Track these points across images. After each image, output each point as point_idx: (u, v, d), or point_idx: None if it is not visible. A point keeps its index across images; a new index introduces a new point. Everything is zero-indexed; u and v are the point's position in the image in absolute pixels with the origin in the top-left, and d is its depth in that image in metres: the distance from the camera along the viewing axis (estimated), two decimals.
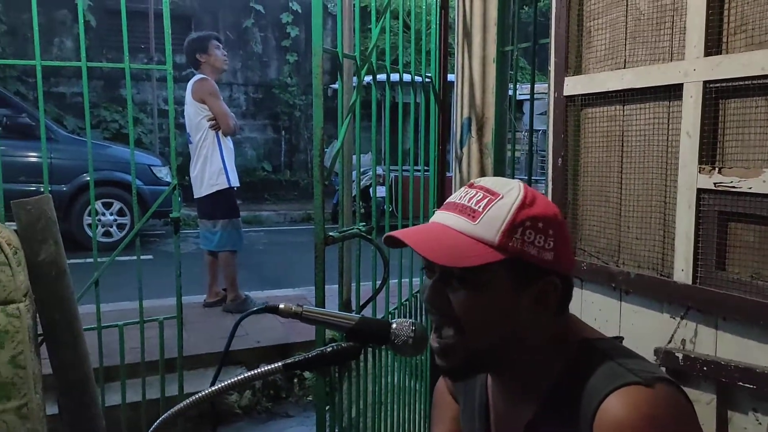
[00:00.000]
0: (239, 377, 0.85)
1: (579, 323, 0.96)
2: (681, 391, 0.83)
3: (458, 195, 0.91)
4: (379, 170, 5.15)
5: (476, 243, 0.85)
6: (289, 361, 0.88)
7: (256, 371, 0.86)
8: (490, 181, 0.90)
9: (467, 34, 2.48)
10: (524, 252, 0.85)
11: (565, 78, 1.77)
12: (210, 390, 0.85)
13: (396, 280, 2.40)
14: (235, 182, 4.36)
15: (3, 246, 1.49)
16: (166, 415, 0.84)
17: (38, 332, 1.65)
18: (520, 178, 1.00)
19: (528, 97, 2.39)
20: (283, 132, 12.65)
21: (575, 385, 0.85)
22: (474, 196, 0.88)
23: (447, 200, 0.93)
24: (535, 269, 0.86)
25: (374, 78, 1.97)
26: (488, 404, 1.03)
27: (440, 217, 0.91)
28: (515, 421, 0.94)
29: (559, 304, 0.90)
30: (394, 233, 0.91)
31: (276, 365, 0.87)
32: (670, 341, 1.50)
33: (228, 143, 4.36)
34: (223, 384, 0.85)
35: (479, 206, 0.86)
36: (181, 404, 0.84)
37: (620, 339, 0.99)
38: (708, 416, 1.40)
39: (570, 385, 0.86)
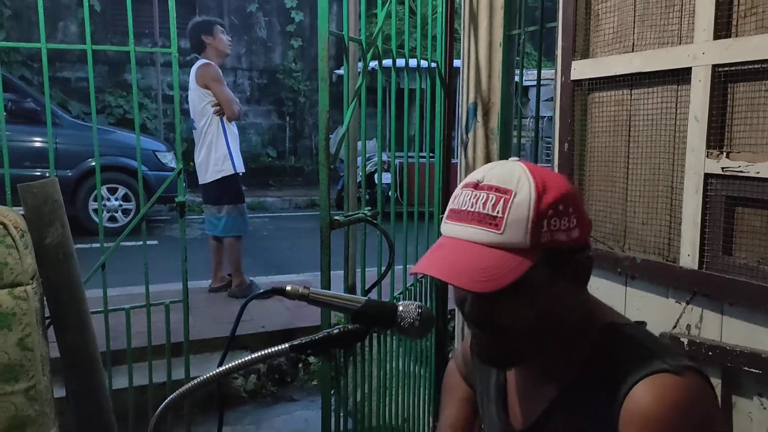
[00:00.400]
0: (245, 359, 0.86)
1: (603, 306, 0.95)
2: (707, 381, 0.83)
3: (467, 201, 0.85)
4: (385, 157, 5.14)
5: (508, 255, 0.81)
6: (296, 342, 0.88)
7: (262, 352, 0.86)
8: (495, 177, 0.84)
9: (473, 18, 2.46)
10: (556, 241, 0.82)
11: (573, 62, 1.75)
12: (217, 371, 0.85)
13: (401, 266, 2.40)
14: (241, 168, 4.37)
15: (10, 229, 1.49)
16: (173, 395, 0.85)
17: (45, 315, 1.66)
18: None
19: (535, 83, 2.37)
20: (287, 118, 12.62)
21: (602, 369, 0.85)
22: (486, 200, 0.82)
23: (454, 208, 0.87)
24: (567, 251, 0.84)
25: (380, 63, 1.96)
26: (506, 385, 1.02)
27: (459, 231, 0.85)
28: (536, 402, 0.93)
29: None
30: (420, 269, 0.86)
31: (282, 347, 0.87)
32: (675, 326, 1.50)
33: (233, 129, 4.36)
34: (229, 365, 0.86)
35: (497, 211, 0.81)
36: (188, 385, 0.84)
37: (644, 324, 0.98)
38: None
39: (597, 369, 0.86)
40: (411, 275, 0.93)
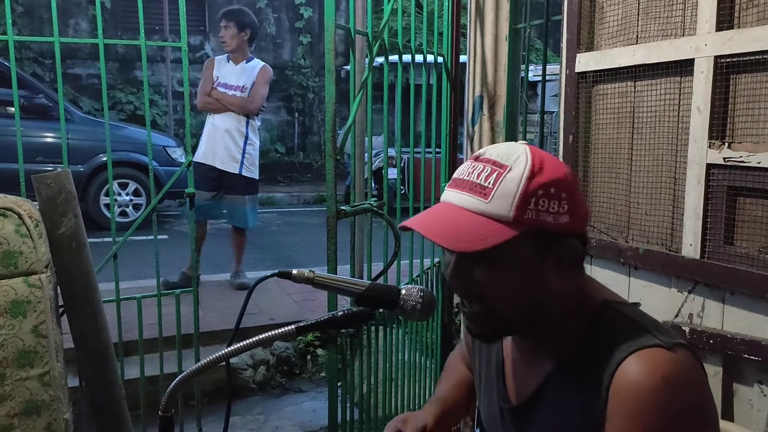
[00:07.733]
0: (253, 339, 0.89)
1: (598, 284, 0.97)
2: (697, 358, 0.85)
3: (465, 170, 0.89)
4: (392, 152, 5.16)
5: (491, 222, 0.84)
6: (302, 324, 0.91)
7: (269, 333, 0.89)
8: (496, 152, 0.88)
9: (480, 12, 2.47)
10: (541, 221, 0.84)
11: (577, 54, 1.77)
12: (226, 350, 0.88)
13: (407, 261, 2.42)
14: (203, 159, 4.28)
15: (24, 218, 1.53)
16: (184, 373, 0.88)
17: (59, 304, 1.70)
18: None
19: (540, 78, 2.39)
20: (296, 114, 12.65)
21: (596, 344, 0.87)
22: (482, 171, 0.86)
23: (455, 176, 0.92)
24: (553, 234, 0.86)
25: (386, 57, 1.98)
26: (503, 363, 1.05)
27: (451, 196, 0.90)
28: (532, 377, 0.96)
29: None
30: (407, 223, 0.90)
31: (289, 328, 0.90)
32: (677, 315, 1.52)
33: (215, 119, 4.38)
34: (238, 345, 0.89)
35: (489, 182, 0.85)
36: (199, 364, 0.87)
37: (637, 305, 1.00)
38: (714, 388, 1.41)
39: (591, 344, 0.88)
40: (401, 229, 0.96)
